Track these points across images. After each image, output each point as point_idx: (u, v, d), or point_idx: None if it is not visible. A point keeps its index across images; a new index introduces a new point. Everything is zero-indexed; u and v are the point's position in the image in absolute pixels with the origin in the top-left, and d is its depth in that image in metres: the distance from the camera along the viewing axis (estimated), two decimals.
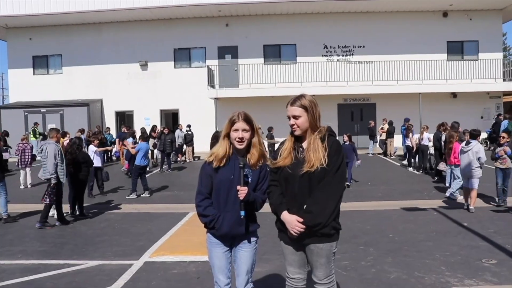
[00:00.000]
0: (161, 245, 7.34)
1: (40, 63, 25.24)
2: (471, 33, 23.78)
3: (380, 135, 20.91)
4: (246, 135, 3.28)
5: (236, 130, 3.27)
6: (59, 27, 24.53)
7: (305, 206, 3.13)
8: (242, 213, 3.21)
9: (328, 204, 3.11)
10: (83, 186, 9.94)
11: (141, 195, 11.97)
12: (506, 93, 24.93)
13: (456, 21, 23.81)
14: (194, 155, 20.46)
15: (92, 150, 11.76)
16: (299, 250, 3.31)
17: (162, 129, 17.99)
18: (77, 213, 9.81)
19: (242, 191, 3.17)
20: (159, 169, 17.00)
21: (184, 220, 9.16)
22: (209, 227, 3.37)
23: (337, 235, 3.27)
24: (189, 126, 20.45)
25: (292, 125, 3.22)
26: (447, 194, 10.71)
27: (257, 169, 3.33)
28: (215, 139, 14.41)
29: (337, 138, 3.39)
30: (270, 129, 19.16)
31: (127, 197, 11.74)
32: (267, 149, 15.53)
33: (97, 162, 11.78)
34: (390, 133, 20.29)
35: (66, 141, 12.64)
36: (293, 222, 3.13)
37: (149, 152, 13.83)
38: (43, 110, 23.14)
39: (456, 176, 10.47)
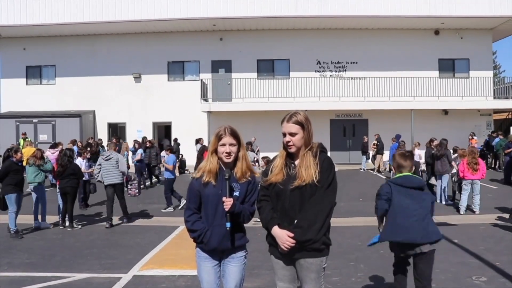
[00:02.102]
0: (151, 258, 7.27)
1: (34, 73, 25.17)
2: (462, 51, 24.10)
3: (373, 151, 20.99)
4: (234, 149, 3.30)
5: (224, 144, 3.28)
6: (53, 38, 24.53)
7: (295, 221, 3.13)
8: (228, 224, 3.21)
9: (318, 220, 3.10)
10: (73, 197, 9.86)
11: (178, 207, 11.64)
12: (496, 111, 25.22)
13: (448, 39, 24.13)
14: (186, 169, 20.36)
15: (80, 162, 11.61)
16: (289, 265, 3.29)
17: (147, 143, 17.71)
18: (67, 224, 9.73)
19: (228, 203, 3.18)
20: (148, 182, 16.76)
21: (174, 233, 9.09)
22: (197, 241, 3.36)
23: (327, 250, 3.26)
24: (175, 140, 20.39)
25: (287, 142, 3.20)
26: (462, 211, 10.86)
27: (244, 182, 3.34)
28: (202, 155, 14.36)
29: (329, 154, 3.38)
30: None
31: (162, 211, 11.47)
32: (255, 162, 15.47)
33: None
34: (379, 149, 20.40)
35: (56, 152, 12.56)
36: (284, 237, 3.12)
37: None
38: (35, 120, 23.00)
39: (465, 190, 10.77)
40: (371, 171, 20.54)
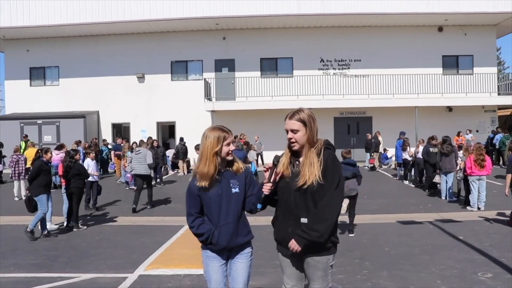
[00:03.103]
0: (156, 258, 7.29)
1: (37, 74, 25.23)
2: (466, 47, 24.00)
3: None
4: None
5: (228, 144, 3.33)
6: (56, 39, 24.59)
7: (302, 219, 3.13)
8: (259, 206, 3.24)
9: (329, 222, 3.12)
10: (79, 198, 9.88)
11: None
12: (501, 107, 25.10)
13: (451, 35, 24.03)
14: (190, 168, 20.34)
15: (89, 164, 11.45)
16: (297, 263, 3.30)
17: (152, 142, 17.66)
18: (73, 225, 9.76)
19: (268, 186, 3.20)
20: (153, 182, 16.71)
21: (179, 233, 9.11)
22: (206, 243, 3.38)
23: (334, 248, 3.27)
24: (182, 139, 20.35)
25: (290, 139, 3.21)
26: (475, 208, 10.88)
27: (240, 176, 3.39)
28: None
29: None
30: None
31: None
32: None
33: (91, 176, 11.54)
34: (376, 146, 20.35)
35: (61, 153, 12.56)
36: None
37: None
38: (39, 121, 23.07)
39: (475, 186, 10.74)
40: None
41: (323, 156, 3.17)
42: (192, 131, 22.62)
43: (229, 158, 3.36)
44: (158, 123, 24.73)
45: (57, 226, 9.88)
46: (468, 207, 10.96)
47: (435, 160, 13.25)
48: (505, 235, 8.41)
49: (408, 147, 16.13)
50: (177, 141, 20.87)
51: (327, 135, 21.90)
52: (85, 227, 9.86)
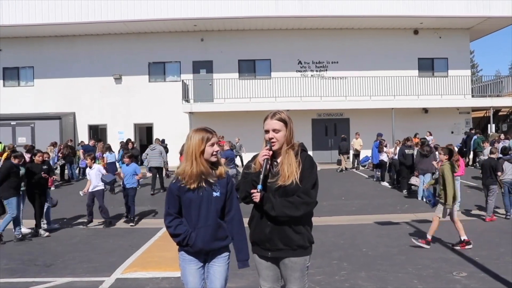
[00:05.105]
0: (134, 261, 7.21)
1: (11, 75, 24.69)
2: (441, 50, 24.47)
3: (354, 150, 21.08)
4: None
5: (213, 144, 3.30)
6: (31, 39, 24.12)
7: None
8: (260, 186, 3.13)
9: (295, 213, 3.12)
10: (43, 200, 9.51)
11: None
12: (475, 109, 25.66)
13: (427, 38, 24.46)
14: (168, 170, 20.12)
15: (99, 170, 10.41)
16: (273, 265, 3.30)
17: (133, 144, 17.52)
18: (45, 227, 9.56)
19: (258, 195, 3.17)
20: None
21: (157, 235, 9.03)
22: (182, 244, 3.34)
23: (311, 248, 3.29)
24: (163, 141, 20.10)
25: (271, 139, 3.22)
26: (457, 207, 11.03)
27: (223, 180, 3.37)
28: None
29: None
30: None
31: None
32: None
33: (96, 182, 10.26)
34: (340, 149, 20.44)
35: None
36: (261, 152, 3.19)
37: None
38: (13, 123, 22.56)
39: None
40: (354, 170, 20.69)
41: (301, 157, 3.21)
42: (170, 132, 22.52)
43: (213, 159, 3.32)
44: (135, 125, 24.48)
45: (29, 230, 9.67)
46: None
47: (411, 162, 13.45)
48: (479, 234, 8.58)
49: (385, 149, 16.33)
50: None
51: (305, 137, 22.06)
52: (46, 233, 9.29)
